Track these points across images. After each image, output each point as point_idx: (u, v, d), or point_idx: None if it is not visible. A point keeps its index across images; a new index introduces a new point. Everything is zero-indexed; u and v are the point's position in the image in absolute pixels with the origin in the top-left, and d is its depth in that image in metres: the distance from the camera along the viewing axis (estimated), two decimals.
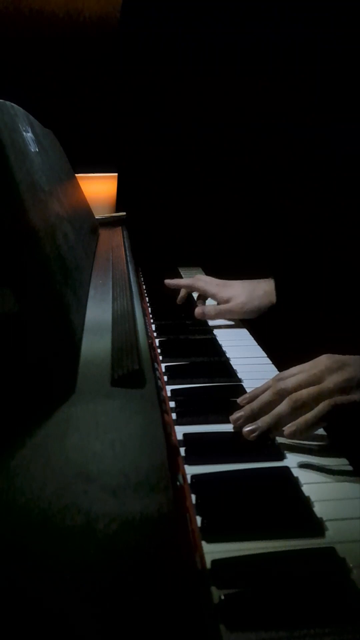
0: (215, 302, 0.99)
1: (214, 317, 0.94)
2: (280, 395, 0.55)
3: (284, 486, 0.47)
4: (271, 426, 0.54)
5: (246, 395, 0.59)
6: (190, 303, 1.05)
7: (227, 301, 0.94)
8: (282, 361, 0.76)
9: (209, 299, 1.01)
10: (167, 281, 1.05)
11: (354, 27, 1.36)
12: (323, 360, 0.57)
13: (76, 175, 1.31)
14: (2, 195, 0.50)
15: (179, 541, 0.34)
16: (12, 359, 0.45)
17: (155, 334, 0.88)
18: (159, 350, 0.79)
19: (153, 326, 0.91)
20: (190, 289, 1.04)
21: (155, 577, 0.29)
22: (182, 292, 1.07)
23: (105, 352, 0.57)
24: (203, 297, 1.03)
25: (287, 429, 0.52)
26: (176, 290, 1.08)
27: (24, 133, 0.66)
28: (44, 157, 0.77)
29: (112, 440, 0.41)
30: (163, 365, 0.73)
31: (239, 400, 0.59)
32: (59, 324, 0.52)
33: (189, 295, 1.07)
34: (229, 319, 0.95)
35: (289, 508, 0.44)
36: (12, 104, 0.65)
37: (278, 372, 0.72)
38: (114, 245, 1.21)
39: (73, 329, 0.56)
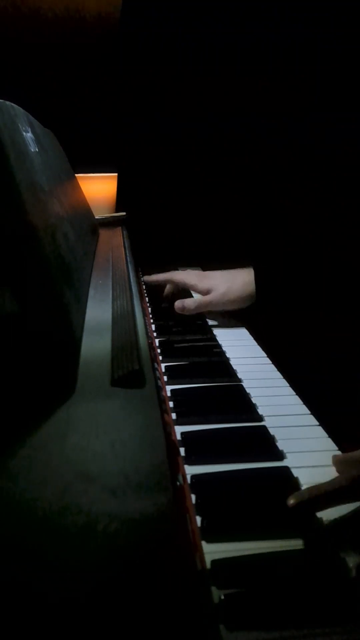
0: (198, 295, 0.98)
1: (194, 311, 0.92)
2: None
3: (284, 486, 0.47)
4: None
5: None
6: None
7: (207, 292, 0.93)
8: (282, 361, 0.76)
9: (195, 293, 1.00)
10: (145, 278, 1.04)
11: (354, 27, 1.36)
12: None
13: (76, 175, 1.31)
14: (2, 196, 0.50)
15: (179, 541, 0.34)
16: (12, 359, 0.45)
17: (155, 334, 0.88)
18: (158, 350, 0.79)
19: (153, 326, 0.91)
20: (169, 283, 1.03)
21: (155, 577, 0.29)
22: (168, 288, 1.06)
23: (105, 352, 0.57)
24: (185, 291, 1.02)
25: None
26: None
27: (24, 133, 0.66)
28: (44, 157, 0.77)
29: (112, 440, 0.41)
30: (163, 365, 0.73)
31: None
32: (59, 324, 0.52)
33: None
34: (212, 311, 0.94)
35: (289, 508, 0.44)
36: (12, 104, 0.65)
37: (277, 371, 0.73)
38: (114, 245, 1.21)
39: (73, 329, 0.56)
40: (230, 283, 0.91)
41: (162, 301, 1.05)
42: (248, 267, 0.93)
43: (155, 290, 1.15)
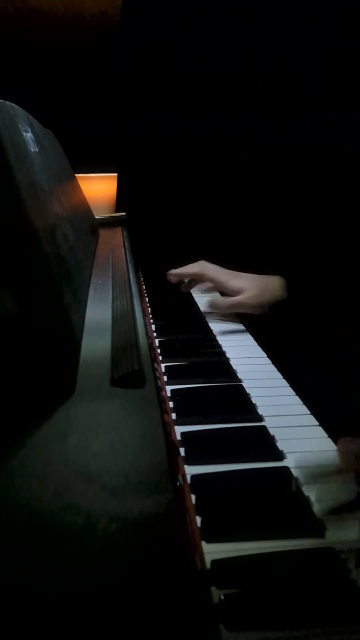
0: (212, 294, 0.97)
1: (225, 311, 0.91)
2: None
3: (283, 486, 0.47)
4: None
5: None
6: (189, 303, 1.05)
7: (236, 292, 0.91)
8: (282, 361, 0.76)
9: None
10: (173, 271, 1.00)
11: (354, 27, 1.36)
12: None
13: (76, 175, 1.31)
14: (2, 196, 0.50)
15: (179, 541, 0.34)
16: (12, 359, 0.45)
17: (155, 334, 0.87)
18: (158, 350, 0.79)
19: (153, 326, 0.91)
20: (198, 278, 1.00)
21: (155, 577, 0.29)
22: (187, 279, 1.03)
23: (105, 352, 0.57)
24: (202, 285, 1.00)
25: None
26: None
27: (24, 133, 0.66)
28: (44, 157, 0.77)
29: (112, 440, 0.41)
30: (163, 365, 0.73)
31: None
32: (59, 324, 0.52)
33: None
34: (236, 314, 0.93)
35: (288, 508, 0.44)
36: (12, 104, 0.65)
37: (277, 371, 0.73)
38: (114, 245, 1.21)
39: (73, 329, 0.56)
40: (263, 287, 0.90)
41: (169, 302, 1.05)
42: (269, 274, 0.92)
43: (155, 291, 1.15)
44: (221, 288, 0.95)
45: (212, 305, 0.91)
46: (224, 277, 0.94)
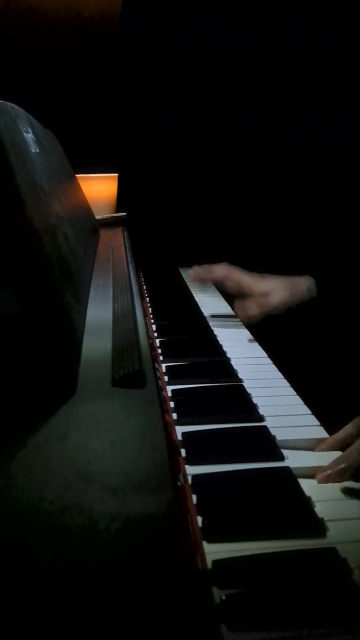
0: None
1: (259, 317, 0.86)
2: None
3: (285, 486, 0.47)
4: None
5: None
6: (190, 303, 1.05)
7: (265, 295, 0.87)
8: (283, 361, 0.76)
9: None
10: (197, 273, 0.95)
11: (354, 27, 1.36)
12: None
13: (77, 175, 1.31)
14: (3, 196, 0.50)
15: (180, 541, 0.34)
16: (12, 359, 0.45)
17: (155, 334, 0.88)
18: (159, 351, 0.79)
19: (154, 326, 0.91)
20: (222, 280, 0.94)
21: (156, 577, 0.29)
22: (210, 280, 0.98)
23: (105, 353, 0.57)
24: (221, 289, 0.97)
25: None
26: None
27: (25, 134, 0.66)
28: (44, 157, 0.77)
29: (112, 440, 0.41)
30: (164, 366, 0.73)
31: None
32: (59, 325, 0.52)
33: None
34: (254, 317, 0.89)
35: (290, 508, 0.44)
36: (13, 104, 0.65)
37: (278, 371, 0.73)
38: (115, 245, 1.21)
39: (74, 329, 0.56)
40: (293, 288, 0.87)
41: (170, 302, 1.02)
42: (296, 275, 0.90)
43: (155, 291, 1.15)
44: (249, 291, 0.90)
45: (244, 315, 0.86)
46: (250, 279, 0.90)
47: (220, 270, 0.94)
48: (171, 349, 0.80)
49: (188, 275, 0.96)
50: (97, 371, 0.52)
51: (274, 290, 0.87)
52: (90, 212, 1.35)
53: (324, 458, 0.51)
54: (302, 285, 0.88)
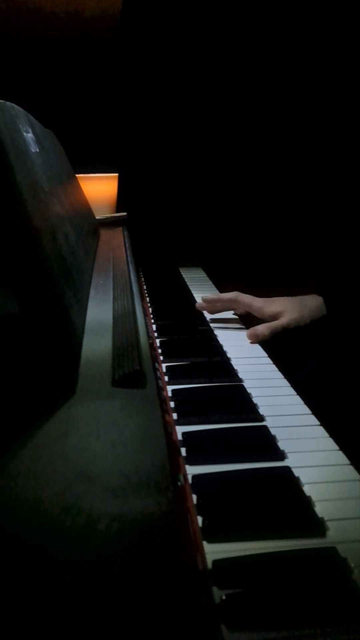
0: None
1: (268, 337, 0.86)
2: None
3: (285, 486, 0.47)
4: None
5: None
6: (190, 303, 1.05)
7: (275, 316, 0.88)
8: (283, 361, 0.76)
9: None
10: (206, 297, 0.95)
11: (354, 27, 1.36)
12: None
13: (77, 175, 1.31)
14: (3, 196, 0.50)
15: (180, 541, 0.34)
16: (13, 359, 0.45)
17: (156, 334, 0.88)
18: (159, 351, 0.79)
19: (154, 326, 0.91)
20: (232, 304, 0.95)
21: (156, 577, 0.29)
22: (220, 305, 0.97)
23: (106, 353, 0.57)
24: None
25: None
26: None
27: (25, 134, 0.66)
28: (44, 157, 0.77)
29: (113, 440, 0.41)
30: (164, 366, 0.73)
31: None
32: (59, 325, 0.52)
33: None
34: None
35: (290, 508, 0.44)
36: (13, 104, 0.65)
37: (278, 372, 0.73)
38: (115, 245, 1.21)
39: (74, 329, 0.56)
40: (302, 307, 0.88)
41: (170, 303, 1.02)
42: (305, 293, 0.91)
43: (156, 291, 1.15)
44: (258, 314, 0.91)
45: (254, 335, 0.86)
46: (260, 303, 0.91)
47: (229, 294, 0.94)
48: (171, 349, 0.80)
49: (197, 305, 0.97)
50: (97, 371, 0.52)
51: (284, 312, 0.88)
52: (91, 212, 1.35)
53: (324, 458, 0.51)
54: (311, 303, 0.89)
